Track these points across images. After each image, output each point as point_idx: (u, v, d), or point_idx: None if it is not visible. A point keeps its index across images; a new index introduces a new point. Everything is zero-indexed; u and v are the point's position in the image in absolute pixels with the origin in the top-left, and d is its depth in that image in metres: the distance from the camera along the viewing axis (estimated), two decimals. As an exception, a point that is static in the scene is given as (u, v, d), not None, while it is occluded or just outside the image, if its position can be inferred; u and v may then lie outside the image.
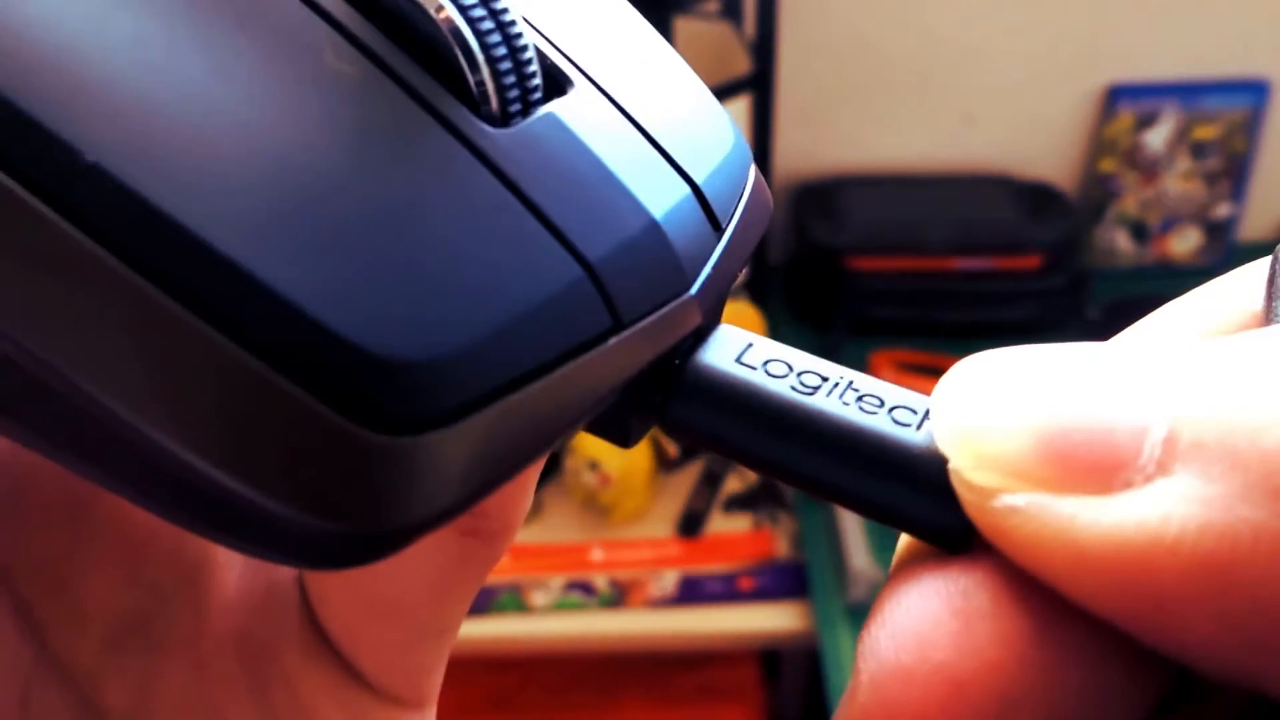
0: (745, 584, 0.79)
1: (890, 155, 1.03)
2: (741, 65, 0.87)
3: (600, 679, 0.85)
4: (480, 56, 0.11)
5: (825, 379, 0.11)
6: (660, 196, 0.12)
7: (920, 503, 0.10)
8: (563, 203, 0.11)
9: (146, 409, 0.09)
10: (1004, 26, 0.97)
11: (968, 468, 0.09)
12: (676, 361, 0.12)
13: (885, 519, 0.11)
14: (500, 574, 0.80)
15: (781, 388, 0.11)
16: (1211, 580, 0.08)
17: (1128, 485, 0.08)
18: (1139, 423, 0.08)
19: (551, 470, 0.86)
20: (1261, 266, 0.11)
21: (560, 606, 0.78)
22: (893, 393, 0.11)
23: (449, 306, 0.09)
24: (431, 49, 0.11)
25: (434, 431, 0.09)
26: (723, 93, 0.84)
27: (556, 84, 0.12)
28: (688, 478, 0.87)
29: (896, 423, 0.11)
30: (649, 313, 0.11)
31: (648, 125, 0.12)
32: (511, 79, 0.11)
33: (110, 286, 0.09)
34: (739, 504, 0.85)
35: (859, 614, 0.73)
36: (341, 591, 0.17)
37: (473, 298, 0.10)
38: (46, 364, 0.09)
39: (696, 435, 0.12)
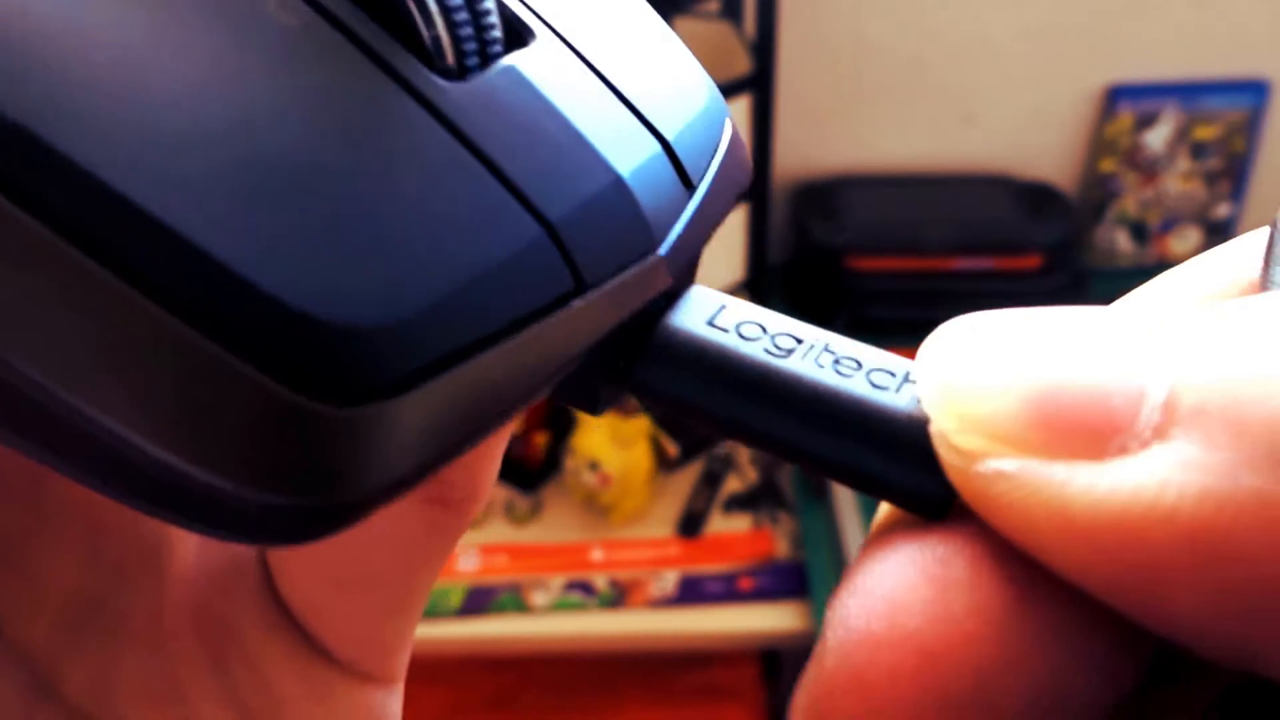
0: (745, 584, 0.79)
1: (890, 155, 1.03)
2: (741, 65, 0.87)
3: (600, 679, 0.85)
4: (433, 6, 0.10)
5: (800, 341, 0.11)
6: (626, 153, 0.11)
7: (896, 467, 0.10)
8: (521, 159, 0.10)
9: (82, 386, 0.09)
10: (1004, 26, 0.97)
11: (952, 430, 0.09)
12: (645, 324, 0.11)
13: (860, 484, 0.10)
14: (500, 574, 0.80)
15: (754, 350, 0.11)
16: (1210, 550, 0.07)
17: (1123, 451, 0.08)
18: (1136, 385, 0.08)
19: (551, 470, 0.86)
20: (1260, 235, 0.10)
21: (560, 606, 0.78)
22: (871, 355, 0.11)
23: (399, 269, 0.09)
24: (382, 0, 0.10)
25: (386, 400, 0.09)
26: (723, 93, 0.84)
27: (518, 35, 0.11)
28: (688, 478, 0.87)
29: (874, 385, 0.10)
30: (614, 274, 0.10)
31: (615, 79, 0.11)
32: (468, 29, 0.10)
33: (36, 254, 0.08)
34: (739, 504, 0.85)
35: (859, 614, 0.73)
36: (306, 565, 0.16)
37: (424, 259, 0.09)
38: None
39: (667, 400, 0.11)
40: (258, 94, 0.09)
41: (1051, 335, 0.09)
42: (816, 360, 0.11)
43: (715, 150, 0.12)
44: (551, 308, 0.10)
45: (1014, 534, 0.08)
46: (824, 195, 1.00)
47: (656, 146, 0.11)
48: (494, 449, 0.16)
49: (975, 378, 0.09)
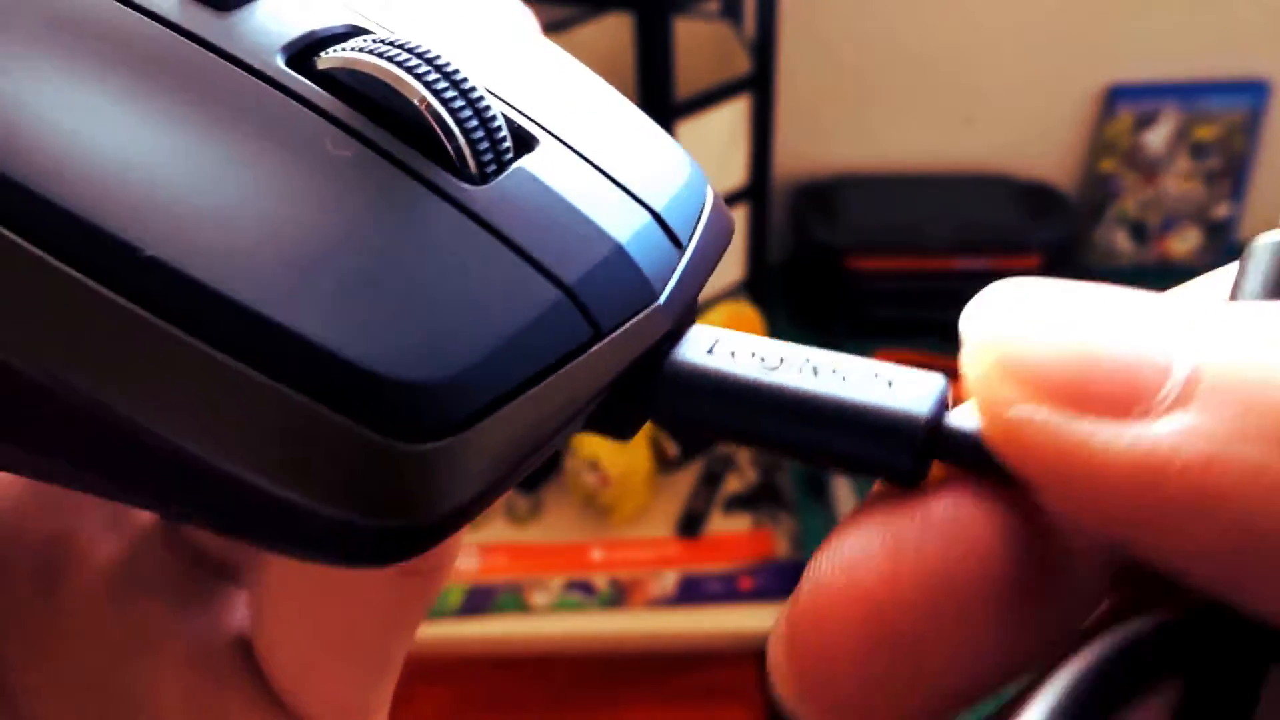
0: (745, 584, 0.79)
1: (890, 155, 1.03)
2: (741, 65, 0.87)
3: (600, 679, 0.85)
4: (455, 129, 0.13)
5: (784, 359, 0.13)
6: (623, 224, 0.14)
7: (871, 446, 0.12)
8: (539, 240, 0.13)
9: (226, 449, 0.11)
10: (1004, 26, 0.97)
11: (996, 377, 0.10)
12: (656, 360, 0.14)
13: (845, 466, 0.12)
14: (500, 574, 0.80)
15: (746, 368, 0.13)
16: (1207, 501, 0.09)
17: (1145, 415, 0.09)
18: (1164, 361, 0.09)
19: (551, 470, 0.86)
20: (1232, 269, 0.12)
21: (560, 606, 0.78)
22: (845, 361, 0.13)
23: (453, 335, 0.12)
24: (413, 127, 0.13)
25: (452, 436, 0.11)
26: (723, 93, 0.84)
27: (525, 142, 0.14)
28: (687, 478, 0.87)
29: (848, 384, 0.13)
30: (624, 322, 0.13)
31: (608, 167, 0.14)
32: (484, 143, 0.13)
33: (180, 353, 0.11)
34: (739, 504, 0.85)
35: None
36: (288, 636, 0.18)
37: (471, 326, 0.12)
38: (130, 420, 0.11)
39: (681, 420, 0.13)
40: (328, 212, 0.12)
41: (1095, 308, 0.10)
42: (799, 370, 0.13)
43: (700, 214, 0.15)
44: (576, 353, 0.12)
45: (1034, 472, 0.10)
46: (824, 195, 1.00)
47: (647, 216, 0.14)
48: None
49: (1023, 334, 0.10)
